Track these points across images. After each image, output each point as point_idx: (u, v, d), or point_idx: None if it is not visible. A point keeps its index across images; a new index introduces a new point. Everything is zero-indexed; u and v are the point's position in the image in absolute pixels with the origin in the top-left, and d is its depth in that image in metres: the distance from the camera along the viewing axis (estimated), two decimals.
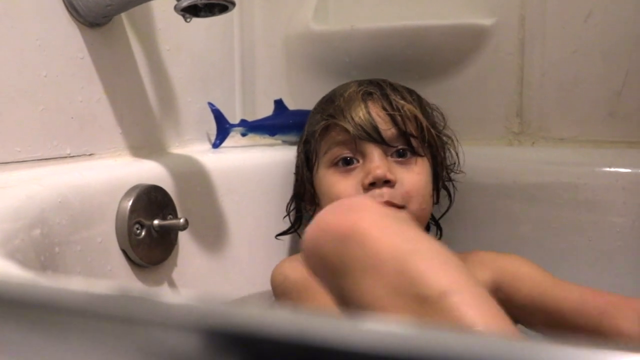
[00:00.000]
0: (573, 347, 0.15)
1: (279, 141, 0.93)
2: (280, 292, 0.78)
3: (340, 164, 0.72)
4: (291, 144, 0.91)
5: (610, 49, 0.81)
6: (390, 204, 0.68)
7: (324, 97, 0.80)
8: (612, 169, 0.75)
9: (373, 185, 0.69)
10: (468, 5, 0.88)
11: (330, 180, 0.73)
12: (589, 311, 0.55)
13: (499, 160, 0.83)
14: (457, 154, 0.79)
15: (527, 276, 0.63)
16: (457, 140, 0.78)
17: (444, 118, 0.78)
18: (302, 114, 0.89)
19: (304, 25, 0.95)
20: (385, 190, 0.69)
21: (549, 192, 0.77)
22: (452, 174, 0.79)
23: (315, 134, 0.75)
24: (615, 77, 0.81)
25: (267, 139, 0.93)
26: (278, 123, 0.92)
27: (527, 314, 0.60)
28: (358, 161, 0.72)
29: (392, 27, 0.89)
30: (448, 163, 0.78)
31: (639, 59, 0.80)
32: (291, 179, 0.84)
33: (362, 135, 0.70)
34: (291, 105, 0.93)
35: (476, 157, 0.80)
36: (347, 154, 0.72)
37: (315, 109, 0.80)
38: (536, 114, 0.86)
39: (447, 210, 0.80)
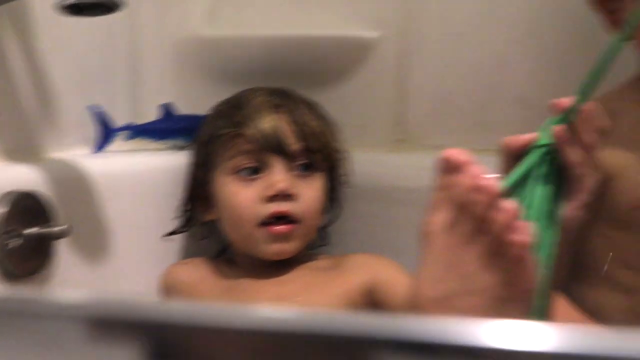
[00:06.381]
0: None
1: (165, 146, 0.91)
2: (172, 295, 0.78)
3: (242, 173, 0.74)
4: (178, 148, 0.90)
5: (480, 65, 0.89)
6: (288, 214, 0.72)
7: (229, 102, 0.80)
8: None
9: (274, 197, 0.71)
10: (355, 18, 0.92)
11: (232, 189, 0.74)
12: None
13: (381, 165, 0.87)
14: (349, 168, 0.82)
15: (396, 283, 0.68)
16: (349, 155, 0.82)
17: (338, 131, 0.81)
18: (191, 119, 0.89)
19: (194, 30, 0.95)
20: (285, 203, 0.72)
21: (427, 196, 0.83)
22: (343, 187, 0.82)
23: (218, 138, 0.76)
24: (484, 90, 0.89)
25: (153, 144, 0.91)
26: (165, 127, 0.91)
27: None
28: (261, 172, 0.73)
29: (281, 35, 0.91)
30: (342, 177, 0.82)
31: (504, 75, 0.88)
32: (178, 184, 0.83)
33: (268, 147, 0.72)
34: (180, 109, 0.92)
35: (359, 162, 0.84)
36: (250, 164, 0.73)
37: (218, 112, 0.80)
38: (415, 123, 0.92)
39: (333, 220, 0.83)
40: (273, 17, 0.93)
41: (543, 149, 0.45)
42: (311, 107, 0.79)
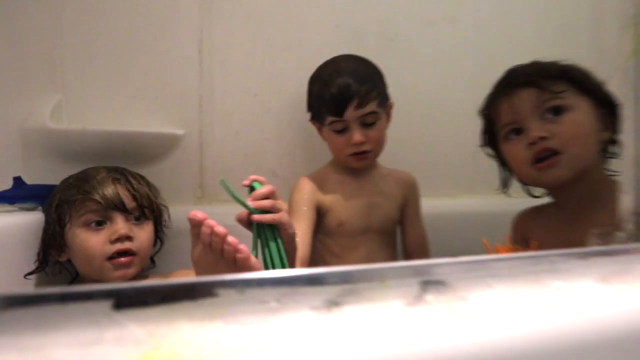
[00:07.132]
0: None
1: (16, 208, 1.08)
2: None
3: (92, 225, 0.96)
4: (28, 209, 1.08)
5: (251, 153, 1.24)
6: (128, 250, 0.95)
7: (77, 177, 1.00)
8: None
9: (118, 240, 0.96)
10: (167, 119, 1.20)
11: (84, 236, 0.96)
12: None
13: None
14: (168, 216, 1.11)
15: None
16: (167, 208, 1.09)
17: (159, 193, 1.08)
18: (40, 187, 1.08)
19: (41, 123, 1.10)
20: (127, 243, 0.96)
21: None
22: (165, 228, 1.10)
23: (72, 202, 0.97)
24: (253, 166, 1.23)
25: (4, 207, 1.08)
26: (18, 194, 1.08)
27: None
28: (106, 223, 0.97)
29: (114, 130, 1.13)
30: (164, 222, 1.09)
31: (265, 158, 1.24)
32: (29, 238, 0.99)
33: (111, 206, 0.96)
34: (27, 181, 1.09)
35: (174, 213, 1.11)
36: (98, 218, 0.96)
37: (69, 184, 1.00)
38: (210, 186, 1.23)
39: (158, 250, 1.10)
40: (108, 115, 1.16)
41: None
42: (139, 178, 1.06)
